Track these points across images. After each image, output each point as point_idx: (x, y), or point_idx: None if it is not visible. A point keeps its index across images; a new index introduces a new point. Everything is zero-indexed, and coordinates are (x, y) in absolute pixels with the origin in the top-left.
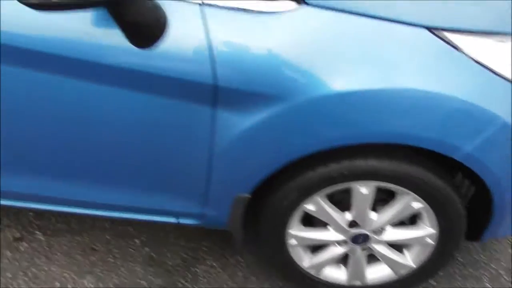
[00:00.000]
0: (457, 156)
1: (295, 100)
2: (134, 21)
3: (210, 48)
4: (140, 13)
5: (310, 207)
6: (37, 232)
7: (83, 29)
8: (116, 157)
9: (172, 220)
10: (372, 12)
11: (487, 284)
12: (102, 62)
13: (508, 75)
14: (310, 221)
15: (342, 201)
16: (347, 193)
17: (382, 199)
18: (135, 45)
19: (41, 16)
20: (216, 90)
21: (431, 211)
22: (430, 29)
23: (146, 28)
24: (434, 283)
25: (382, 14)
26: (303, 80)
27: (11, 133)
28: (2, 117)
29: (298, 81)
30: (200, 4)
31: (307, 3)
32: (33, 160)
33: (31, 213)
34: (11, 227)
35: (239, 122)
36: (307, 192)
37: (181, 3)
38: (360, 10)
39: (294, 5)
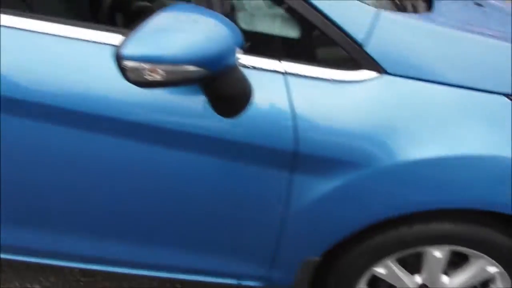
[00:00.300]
0: None
1: (373, 167)
2: (224, 94)
3: (293, 116)
4: (231, 86)
5: (380, 270)
6: None
7: (161, 97)
8: (184, 220)
9: (233, 281)
10: (451, 81)
11: None
12: (181, 129)
13: None
14: (374, 282)
15: (411, 263)
16: (417, 254)
17: (453, 261)
18: (220, 115)
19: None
20: (296, 156)
21: (506, 275)
22: (508, 96)
23: (233, 99)
24: None
25: (461, 82)
26: (382, 147)
27: (75, 194)
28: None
29: (377, 148)
30: (283, 74)
31: (388, 72)
32: (96, 222)
33: (76, 271)
34: (59, 286)
35: (316, 187)
36: (378, 256)
37: (265, 72)
38: (440, 79)
39: (375, 74)
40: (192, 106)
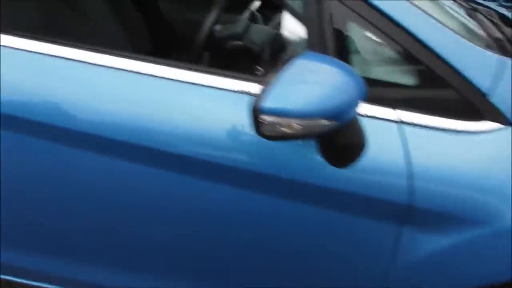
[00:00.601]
0: None
1: (497, 225)
2: (340, 144)
3: (408, 167)
4: (349, 136)
5: None
6: None
7: (270, 145)
8: (284, 270)
9: None
10: None
11: None
12: (289, 177)
13: None
14: None
15: None
16: None
17: None
18: (332, 165)
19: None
20: (409, 209)
21: None
22: None
23: (348, 149)
24: None
25: None
26: (508, 204)
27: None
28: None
29: (502, 205)
30: (397, 122)
31: None
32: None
33: None
34: None
35: (427, 243)
36: None
37: (378, 121)
38: None
39: (499, 125)
40: (301, 155)
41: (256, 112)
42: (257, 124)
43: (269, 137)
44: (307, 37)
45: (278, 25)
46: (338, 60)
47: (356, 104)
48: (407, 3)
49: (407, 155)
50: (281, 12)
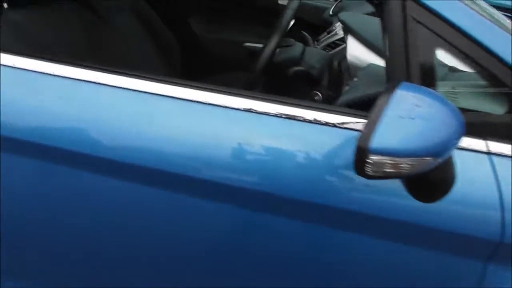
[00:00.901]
0: None
1: None
2: (434, 179)
3: (501, 202)
4: (441, 171)
5: None
6: None
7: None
8: None
9: None
10: None
11: None
12: (370, 212)
13: None
14: None
15: None
16: None
17: None
18: (418, 199)
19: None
20: (499, 246)
21: None
22: None
23: (438, 184)
24: None
25: None
26: None
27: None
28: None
29: None
30: (487, 153)
31: None
32: None
33: None
34: None
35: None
36: None
37: (465, 152)
38: None
39: None
40: (384, 188)
41: (364, 152)
42: (361, 163)
43: (370, 177)
44: (388, 65)
45: (329, 47)
46: (434, 91)
47: (459, 138)
48: (497, 28)
49: (499, 189)
50: (323, 32)
